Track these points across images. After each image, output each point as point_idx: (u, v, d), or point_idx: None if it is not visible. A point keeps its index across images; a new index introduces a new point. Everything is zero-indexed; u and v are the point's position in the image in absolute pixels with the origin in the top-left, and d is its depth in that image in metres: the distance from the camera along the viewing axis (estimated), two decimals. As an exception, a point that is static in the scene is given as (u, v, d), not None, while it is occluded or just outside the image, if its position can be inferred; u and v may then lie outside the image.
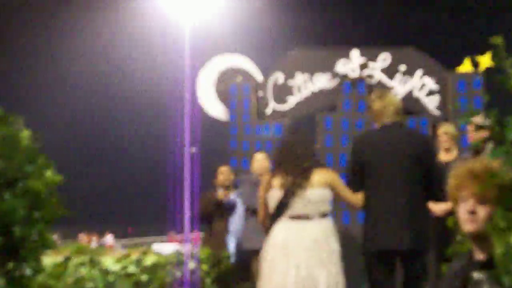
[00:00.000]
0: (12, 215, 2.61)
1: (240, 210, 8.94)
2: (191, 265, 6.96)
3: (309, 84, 11.02)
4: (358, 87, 10.79)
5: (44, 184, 2.73)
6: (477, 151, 7.51)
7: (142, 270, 6.24)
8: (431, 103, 10.81)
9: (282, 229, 6.10)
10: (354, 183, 6.19)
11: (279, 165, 6.33)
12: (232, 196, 9.10)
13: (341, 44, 11.63)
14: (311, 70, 11.08)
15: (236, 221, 8.94)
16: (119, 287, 5.72)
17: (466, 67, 10.83)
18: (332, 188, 6.19)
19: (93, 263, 5.71)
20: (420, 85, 10.87)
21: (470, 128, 7.69)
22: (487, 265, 2.68)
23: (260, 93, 11.11)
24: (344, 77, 10.86)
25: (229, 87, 11.14)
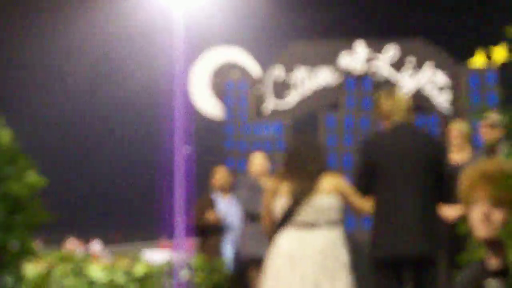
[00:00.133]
0: (-10, 221, 2.61)
1: (237, 215, 8.93)
2: (185, 274, 6.95)
3: (310, 80, 11.02)
4: (363, 83, 10.80)
5: (25, 187, 2.72)
6: (490, 150, 7.52)
7: (132, 281, 6.23)
8: (442, 99, 10.82)
9: (288, 238, 6.14)
10: (363, 186, 6.23)
11: (286, 170, 6.36)
12: (228, 200, 9.09)
13: (345, 36, 11.60)
14: (313, 63, 11.07)
15: (231, 227, 8.93)
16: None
17: (479, 59, 10.82)
18: (341, 194, 6.23)
19: (78, 272, 5.70)
20: (430, 80, 10.87)
21: (483, 126, 7.70)
22: (502, 273, 2.67)
23: (258, 90, 11.10)
24: (347, 72, 10.86)
25: (225, 83, 11.13)
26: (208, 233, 8.94)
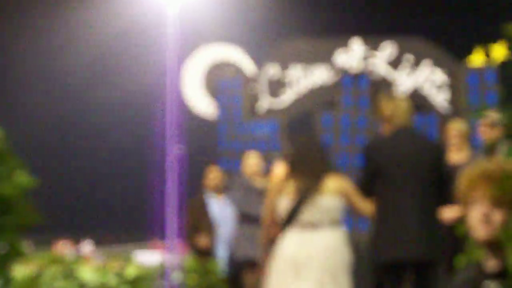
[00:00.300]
0: (-21, 222, 2.60)
1: (230, 216, 8.92)
2: (177, 276, 6.95)
3: (306, 78, 11.01)
4: (360, 82, 10.80)
5: (15, 187, 2.72)
6: (490, 150, 7.52)
7: (124, 283, 6.23)
8: (440, 98, 10.83)
9: (292, 240, 6.25)
10: (365, 189, 6.36)
11: (291, 169, 6.47)
12: (222, 200, 9.09)
13: (342, 33, 11.60)
14: (309, 61, 11.06)
15: (225, 229, 8.92)
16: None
17: (478, 57, 10.83)
18: (345, 195, 6.34)
19: (69, 274, 5.71)
20: (428, 79, 10.88)
21: (482, 125, 7.71)
22: (501, 275, 2.67)
23: (253, 88, 11.09)
24: (344, 71, 10.86)
25: (218, 81, 11.12)
26: (202, 225, 8.92)
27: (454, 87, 10.77)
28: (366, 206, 6.33)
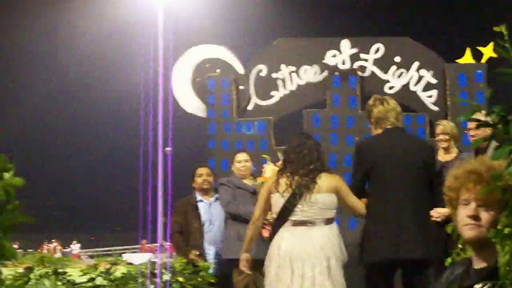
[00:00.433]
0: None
1: (219, 216, 8.91)
2: (165, 276, 6.94)
3: (295, 78, 11.01)
4: (349, 81, 10.81)
5: (2, 187, 2.71)
6: (478, 150, 7.56)
7: (111, 282, 6.22)
8: (429, 98, 10.85)
9: (285, 237, 6.35)
10: (358, 189, 6.46)
11: (286, 167, 6.58)
12: (211, 200, 9.07)
13: (332, 34, 11.64)
14: (297, 62, 11.07)
15: (214, 229, 8.90)
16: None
17: (467, 59, 10.86)
18: (339, 193, 6.42)
19: (57, 274, 5.69)
20: (417, 79, 10.90)
21: (471, 125, 7.74)
22: (488, 275, 2.68)
23: (241, 87, 11.08)
24: (333, 70, 10.87)
25: (206, 81, 11.11)
26: (190, 226, 8.90)
27: (442, 87, 10.80)
28: (360, 205, 6.41)
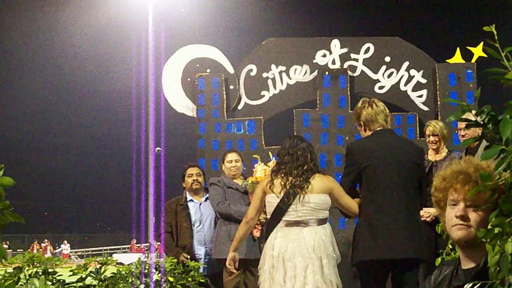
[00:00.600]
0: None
1: (210, 216, 8.90)
2: (156, 276, 6.94)
3: (285, 77, 11.01)
4: (339, 81, 10.81)
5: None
6: (468, 150, 7.58)
7: (101, 282, 6.21)
8: (419, 98, 10.87)
9: (279, 238, 6.42)
10: (349, 190, 6.52)
11: (280, 167, 6.67)
12: (201, 200, 9.07)
13: (321, 34, 11.66)
14: (288, 62, 11.07)
15: (205, 229, 8.90)
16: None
17: (457, 59, 10.88)
18: (332, 194, 6.50)
19: (47, 274, 5.68)
20: (407, 78, 10.92)
21: (461, 125, 7.76)
22: (476, 275, 2.68)
23: (231, 87, 11.08)
24: (323, 69, 10.87)
25: (196, 81, 11.09)
26: (180, 226, 8.90)
27: (433, 87, 10.82)
28: (354, 205, 6.46)
